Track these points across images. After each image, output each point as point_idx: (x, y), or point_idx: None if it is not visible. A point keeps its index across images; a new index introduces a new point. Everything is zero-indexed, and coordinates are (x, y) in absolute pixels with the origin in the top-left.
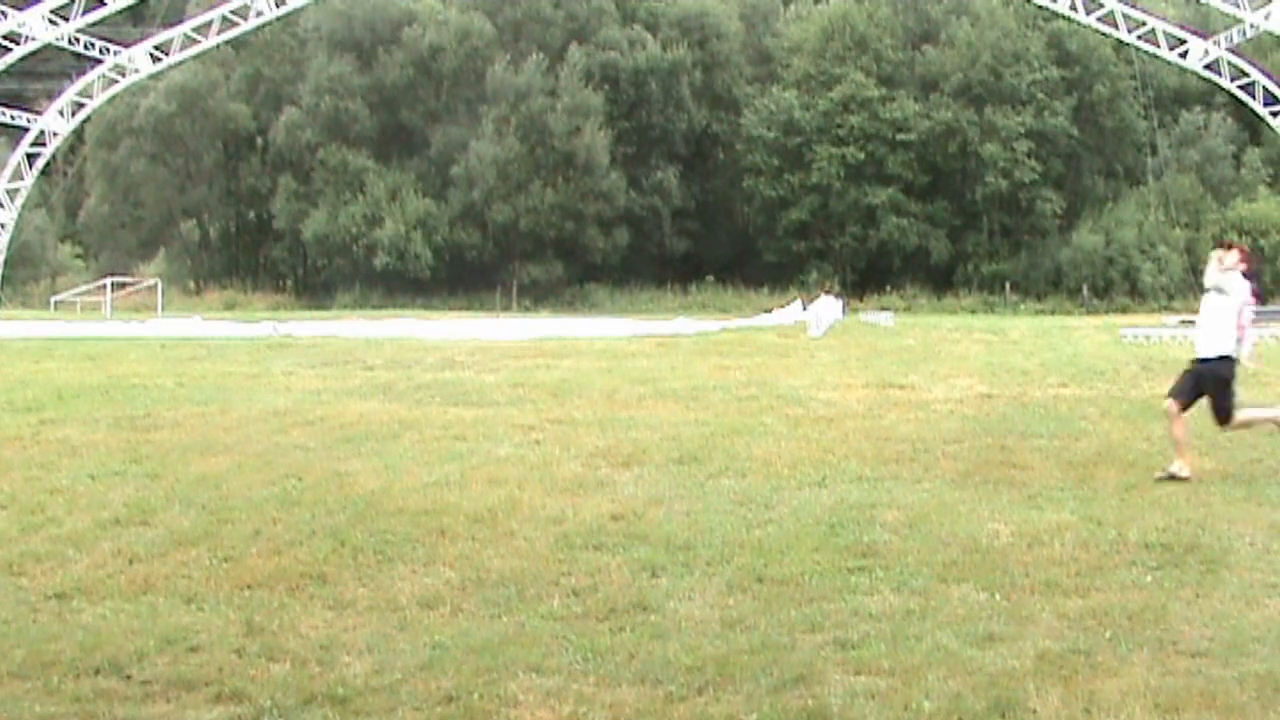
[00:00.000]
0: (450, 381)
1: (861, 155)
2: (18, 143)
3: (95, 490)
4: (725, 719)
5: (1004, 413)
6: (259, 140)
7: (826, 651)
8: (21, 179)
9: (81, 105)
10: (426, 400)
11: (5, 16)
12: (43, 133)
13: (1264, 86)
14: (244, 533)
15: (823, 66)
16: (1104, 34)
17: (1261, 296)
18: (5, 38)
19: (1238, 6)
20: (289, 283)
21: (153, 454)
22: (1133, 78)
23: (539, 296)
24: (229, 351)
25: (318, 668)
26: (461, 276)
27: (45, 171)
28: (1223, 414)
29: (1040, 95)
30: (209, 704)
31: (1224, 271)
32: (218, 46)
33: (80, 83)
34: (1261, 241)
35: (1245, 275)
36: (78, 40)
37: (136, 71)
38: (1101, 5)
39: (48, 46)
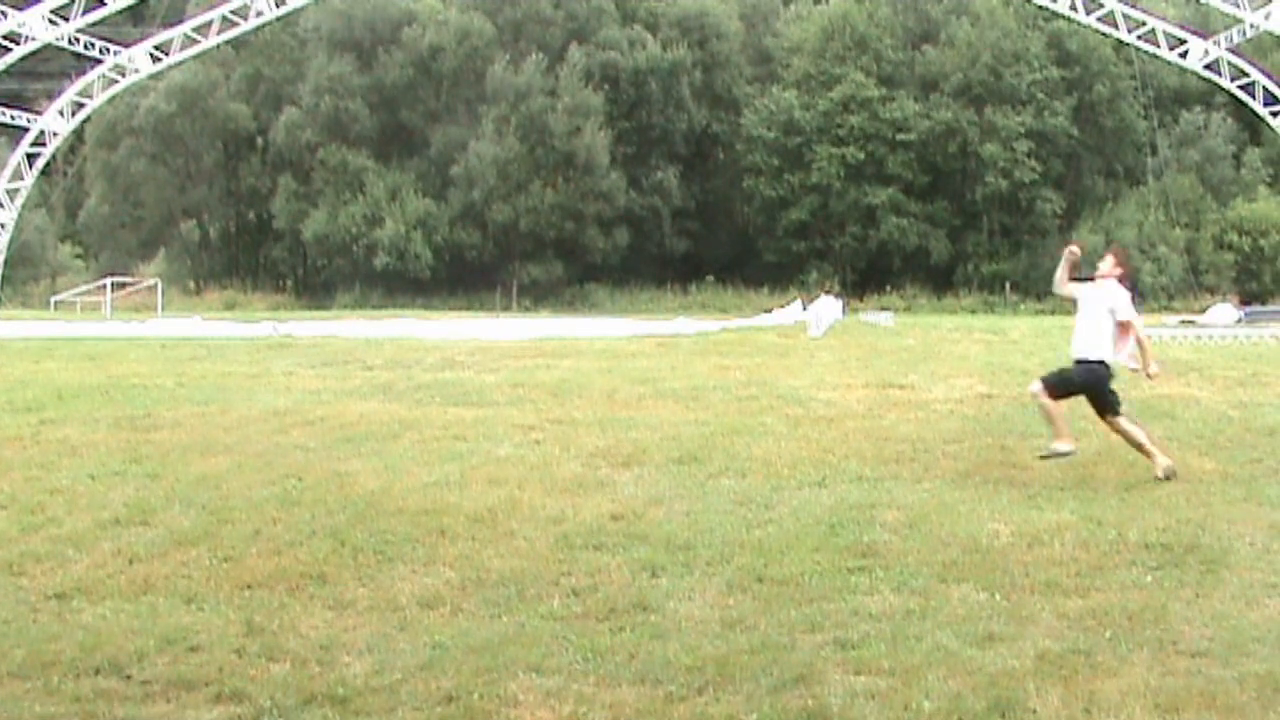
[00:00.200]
0: (450, 381)
1: (861, 155)
2: (18, 143)
3: (95, 490)
4: (725, 719)
5: (1004, 413)
6: (259, 140)
7: (826, 651)
8: (21, 179)
9: (81, 105)
10: (426, 400)
11: (5, 16)
12: (43, 133)
13: (1264, 86)
14: (244, 533)
15: (823, 66)
16: (1104, 34)
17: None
18: (5, 38)
19: (1238, 6)
20: (289, 283)
21: (153, 454)
22: (1133, 78)
23: (539, 296)
24: (229, 351)
25: (318, 668)
26: (461, 276)
27: (45, 171)
28: (1107, 410)
29: (1040, 95)
30: (209, 704)
31: (1100, 277)
32: (218, 46)
33: (80, 83)
34: (1261, 241)
35: (1120, 280)
36: (78, 40)
37: (136, 71)
38: (1101, 5)
39: (48, 46)
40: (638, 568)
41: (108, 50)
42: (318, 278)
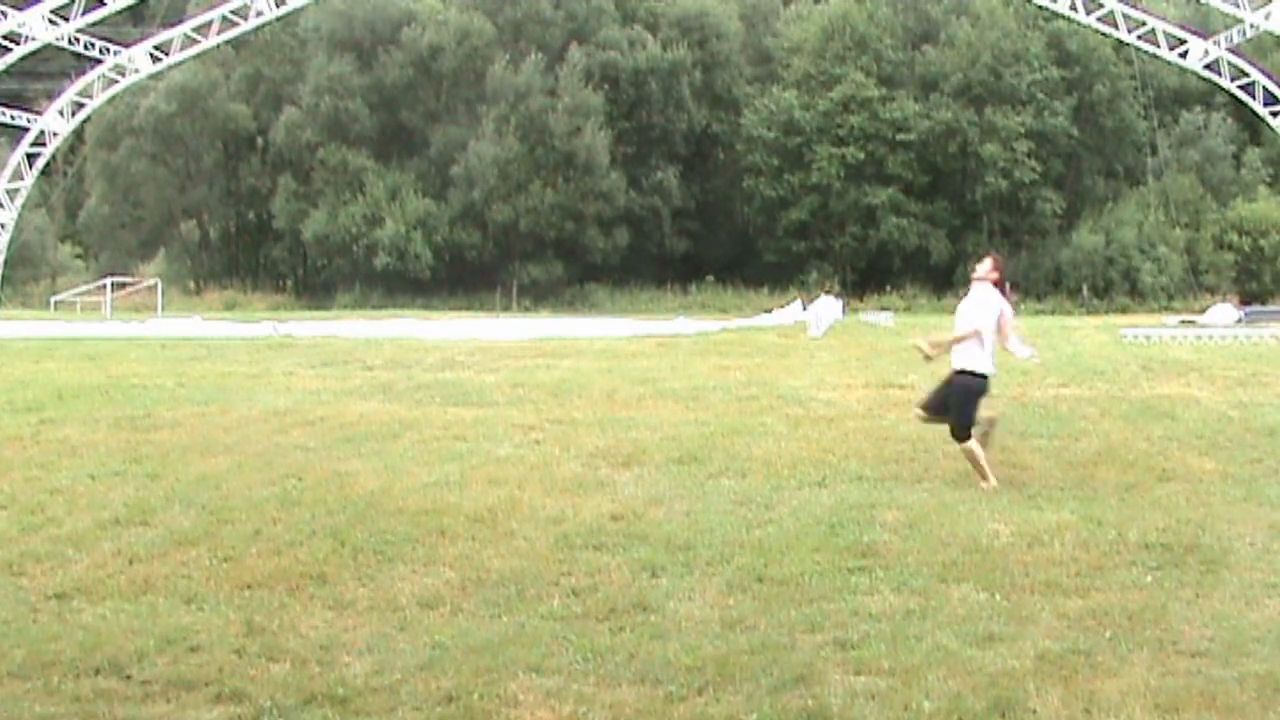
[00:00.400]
0: (450, 381)
1: (861, 155)
2: (18, 143)
3: (95, 490)
4: (725, 719)
5: (1004, 413)
6: (259, 140)
7: (826, 651)
8: (21, 179)
9: (81, 105)
10: (426, 400)
11: (5, 16)
12: (43, 133)
13: (1264, 86)
14: (244, 533)
15: (823, 66)
16: (1104, 34)
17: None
18: (5, 38)
19: (1238, 6)
20: (289, 283)
21: (153, 454)
22: (1133, 78)
23: (539, 296)
24: (229, 352)
25: (318, 668)
26: (461, 276)
27: (45, 171)
28: (957, 430)
29: (1040, 95)
30: (209, 704)
31: (977, 280)
32: (218, 46)
33: (80, 83)
34: (1261, 242)
35: (997, 285)
36: (78, 40)
37: (136, 71)
38: (1101, 5)
39: (48, 46)
40: (638, 568)
41: (108, 50)
42: (318, 278)
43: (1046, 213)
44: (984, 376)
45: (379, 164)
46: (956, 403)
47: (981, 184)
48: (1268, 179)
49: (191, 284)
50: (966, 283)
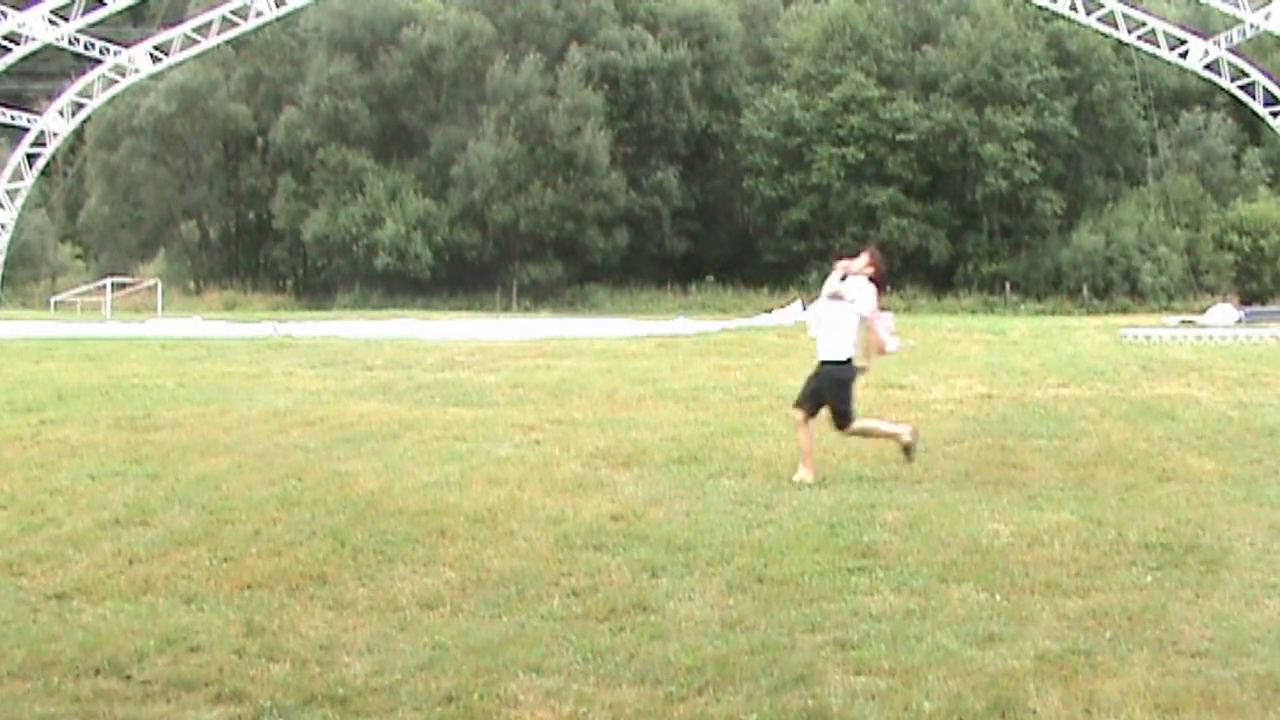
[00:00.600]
0: (450, 382)
1: (861, 155)
2: (18, 143)
3: (95, 490)
4: (725, 719)
5: (1004, 413)
6: (259, 140)
7: (826, 652)
8: (21, 179)
9: (81, 105)
10: (426, 400)
11: (5, 16)
12: (43, 133)
13: (1264, 86)
14: (244, 533)
15: (823, 66)
16: (1104, 34)
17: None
18: (5, 38)
19: (1238, 6)
20: (289, 283)
21: (153, 454)
22: (1133, 78)
23: (539, 297)
24: (229, 352)
25: (318, 668)
26: (461, 277)
27: (45, 172)
28: (840, 419)
29: (1040, 95)
30: (209, 704)
31: (852, 275)
32: (218, 46)
33: (80, 83)
34: (1261, 242)
35: (872, 280)
36: (78, 40)
37: (136, 72)
38: (1101, 5)
39: (48, 46)
40: (638, 568)
41: (108, 50)
42: (318, 278)
43: (1046, 213)
44: (848, 362)
45: (379, 164)
46: (833, 393)
47: (981, 184)
48: (1268, 179)
49: (191, 284)
50: (966, 283)
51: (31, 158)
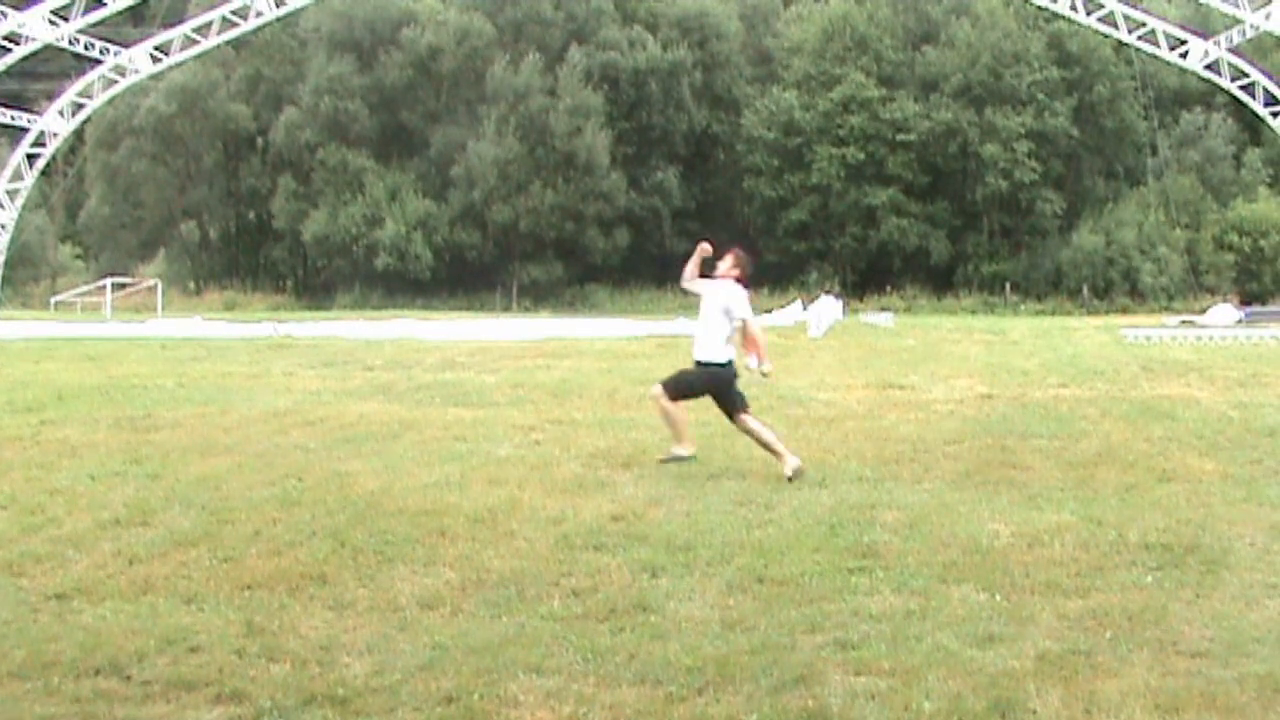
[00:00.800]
0: (450, 382)
1: (861, 156)
2: (18, 143)
3: (95, 490)
4: (725, 719)
5: (1004, 413)
6: (259, 140)
7: (826, 652)
8: (21, 179)
9: (81, 105)
10: (427, 401)
11: (5, 17)
12: (43, 133)
13: (1264, 87)
14: (244, 533)
15: (823, 67)
16: (1104, 34)
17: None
18: (5, 38)
19: (1238, 7)
20: (289, 283)
21: (153, 454)
22: (1133, 78)
23: (539, 297)
24: (229, 352)
25: (318, 668)
26: (461, 277)
27: (45, 172)
28: (671, 387)
29: (1040, 96)
30: (209, 704)
31: (719, 277)
32: (218, 47)
33: (80, 83)
34: (1261, 242)
35: (739, 281)
36: (78, 40)
37: (136, 72)
38: (1101, 6)
39: (48, 47)
40: (638, 568)
41: (108, 50)
42: (318, 278)
43: (1046, 213)
44: (726, 364)
45: (379, 164)
46: (690, 378)
47: (982, 184)
48: (1268, 179)
49: (191, 284)
50: (966, 283)
51: (31, 158)
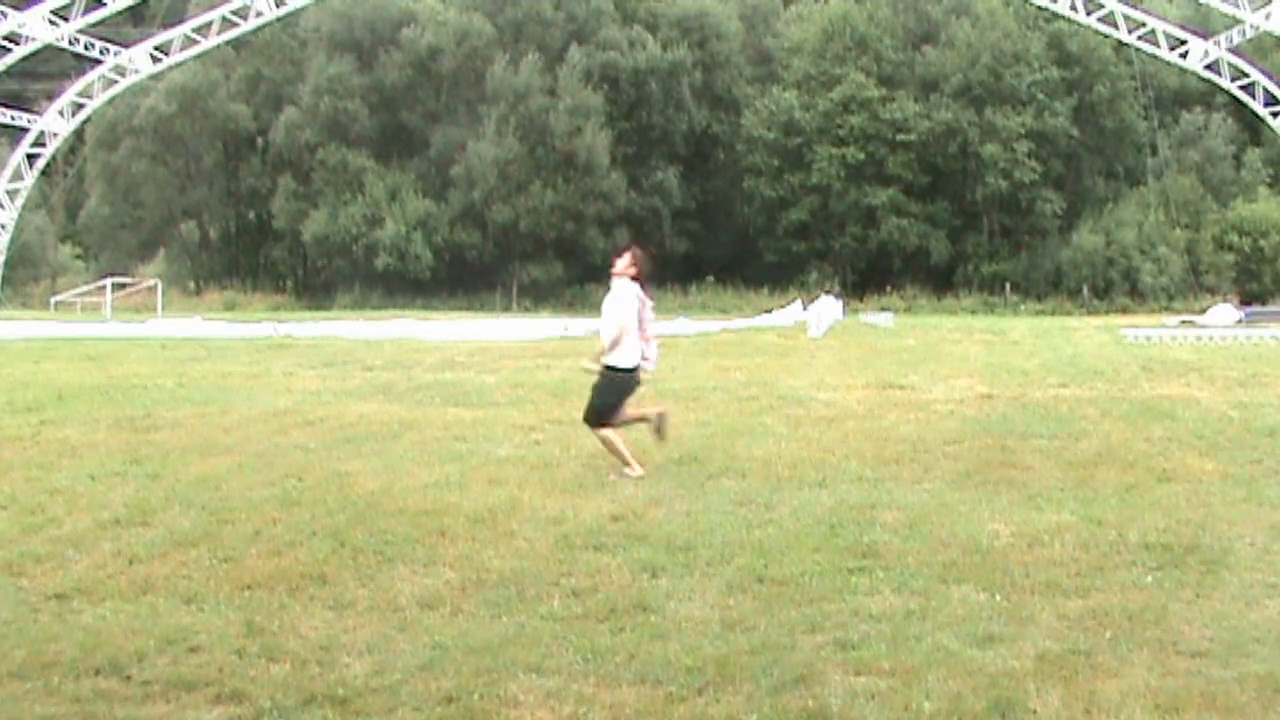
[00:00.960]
0: (450, 382)
1: (861, 156)
2: (18, 143)
3: (95, 491)
4: (725, 719)
5: (1004, 413)
6: (259, 140)
7: (827, 652)
8: (21, 179)
9: (81, 105)
10: (427, 401)
11: (5, 17)
12: (43, 133)
13: (1264, 87)
14: (244, 533)
15: (823, 67)
16: (1104, 34)
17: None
18: (5, 38)
19: (1238, 7)
20: (289, 283)
21: (153, 454)
22: (1133, 78)
23: (539, 297)
24: (229, 352)
25: (318, 668)
26: (461, 277)
27: (45, 172)
28: (593, 414)
29: (1040, 96)
30: (209, 704)
31: (615, 275)
32: (218, 46)
33: (80, 83)
34: (1261, 242)
35: (635, 279)
36: (78, 40)
37: (136, 72)
38: (1101, 5)
39: (48, 47)
40: (638, 568)
41: (108, 50)
42: (318, 278)
43: (1046, 213)
44: (630, 370)
45: (379, 164)
46: (599, 391)
47: (981, 184)
48: (1268, 179)
49: (191, 284)
50: (966, 283)
51: (31, 158)
